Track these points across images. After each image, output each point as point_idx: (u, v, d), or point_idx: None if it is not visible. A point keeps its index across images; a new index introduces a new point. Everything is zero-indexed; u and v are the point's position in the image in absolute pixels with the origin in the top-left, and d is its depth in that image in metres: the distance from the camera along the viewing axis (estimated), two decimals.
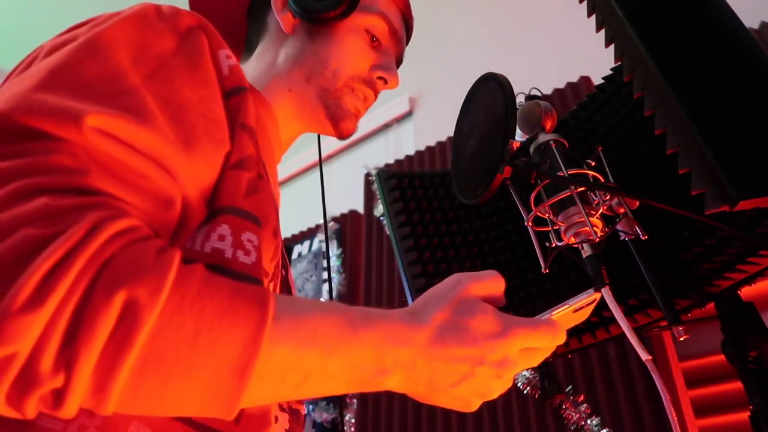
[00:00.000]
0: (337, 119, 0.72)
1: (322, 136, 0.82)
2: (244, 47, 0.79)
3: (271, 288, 0.57)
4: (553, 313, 0.50)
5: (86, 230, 0.35)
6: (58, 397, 0.34)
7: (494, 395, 0.50)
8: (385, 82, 0.75)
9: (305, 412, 0.71)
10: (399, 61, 0.80)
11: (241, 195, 0.47)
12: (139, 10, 0.49)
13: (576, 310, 0.51)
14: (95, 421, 0.41)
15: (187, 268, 0.39)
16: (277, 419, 0.57)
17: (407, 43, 0.82)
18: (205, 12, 0.79)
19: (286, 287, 0.67)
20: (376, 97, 0.76)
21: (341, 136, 0.75)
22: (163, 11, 0.50)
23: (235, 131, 0.49)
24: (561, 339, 0.49)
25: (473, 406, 0.50)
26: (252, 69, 0.75)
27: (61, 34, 0.49)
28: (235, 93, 0.51)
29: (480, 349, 0.46)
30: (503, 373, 0.48)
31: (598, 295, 0.50)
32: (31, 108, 0.39)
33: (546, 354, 0.51)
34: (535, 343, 0.49)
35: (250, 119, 0.51)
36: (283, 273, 0.66)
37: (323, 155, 0.96)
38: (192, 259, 0.42)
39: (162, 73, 0.46)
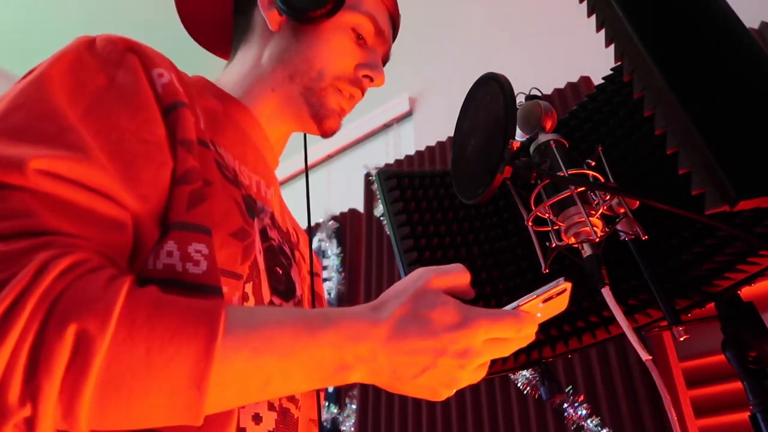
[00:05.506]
0: (321, 117, 0.73)
1: (323, 138, 0.83)
2: (231, 45, 0.79)
3: (249, 289, 0.57)
4: (521, 304, 0.50)
5: (35, 271, 0.38)
6: (30, 425, 0.37)
7: (462, 384, 0.51)
8: (371, 80, 0.75)
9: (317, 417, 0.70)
10: (386, 59, 0.80)
11: (183, 209, 0.50)
12: (74, 49, 0.52)
13: (546, 300, 0.50)
14: None
15: (137, 293, 0.42)
16: (260, 419, 0.56)
17: (394, 41, 0.81)
18: (190, 10, 0.79)
19: (286, 285, 0.66)
20: (363, 94, 0.76)
21: (324, 135, 0.75)
22: (96, 47, 0.53)
23: (176, 147, 0.52)
24: (529, 329, 0.50)
25: (441, 396, 0.51)
26: (236, 69, 0.75)
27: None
28: (171, 110, 0.53)
29: (440, 341, 0.47)
30: (467, 363, 0.49)
31: (567, 285, 0.50)
32: None
33: (517, 344, 0.51)
34: (499, 333, 0.49)
35: (188, 133, 0.53)
36: (280, 271, 0.65)
37: (323, 155, 0.97)
38: (148, 277, 0.46)
39: (97, 109, 0.49)
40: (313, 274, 0.72)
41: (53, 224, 0.42)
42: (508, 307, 0.50)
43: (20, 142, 0.44)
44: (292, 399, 0.63)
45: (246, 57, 0.75)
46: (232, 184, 0.59)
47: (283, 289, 0.65)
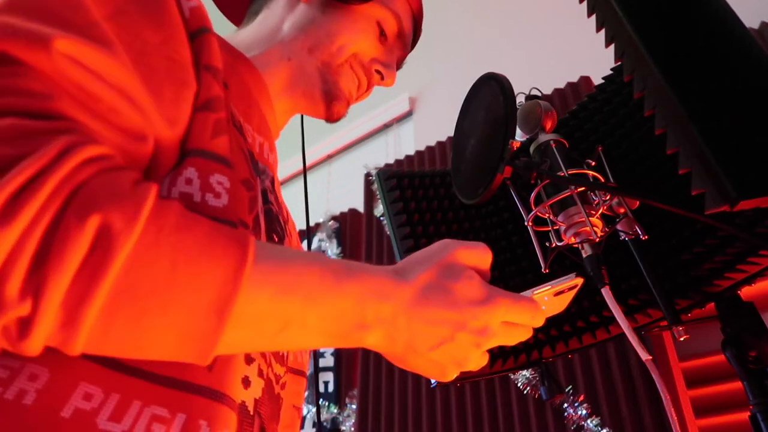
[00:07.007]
0: (331, 97, 0.72)
1: (323, 138, 0.82)
2: (247, 9, 0.78)
3: None
4: (535, 292, 0.50)
5: (57, 152, 0.33)
6: (24, 326, 0.32)
7: (470, 366, 0.49)
8: (382, 78, 0.75)
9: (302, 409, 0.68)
10: (399, 65, 0.80)
11: (207, 136, 0.46)
12: None
13: (557, 293, 0.50)
14: (36, 384, 0.37)
15: (165, 201, 0.38)
16: (249, 383, 0.53)
17: (411, 49, 0.82)
18: None
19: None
20: (369, 89, 0.76)
21: (330, 118, 0.74)
22: None
23: (200, 72, 0.48)
24: (540, 319, 0.49)
25: (448, 375, 0.49)
26: (253, 32, 0.74)
27: None
28: (197, 35, 0.50)
29: (462, 314, 0.46)
30: (482, 342, 0.47)
31: (579, 281, 0.50)
32: None
33: (524, 333, 0.51)
34: (516, 317, 0.48)
35: (215, 60, 0.50)
36: (276, 239, 0.62)
37: (324, 155, 0.97)
38: None
39: (121, 16, 0.44)
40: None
41: (73, 113, 0.37)
42: (524, 294, 0.51)
43: (43, 22, 0.38)
44: (275, 375, 0.60)
45: (265, 22, 0.74)
46: (240, 134, 0.56)
47: None
